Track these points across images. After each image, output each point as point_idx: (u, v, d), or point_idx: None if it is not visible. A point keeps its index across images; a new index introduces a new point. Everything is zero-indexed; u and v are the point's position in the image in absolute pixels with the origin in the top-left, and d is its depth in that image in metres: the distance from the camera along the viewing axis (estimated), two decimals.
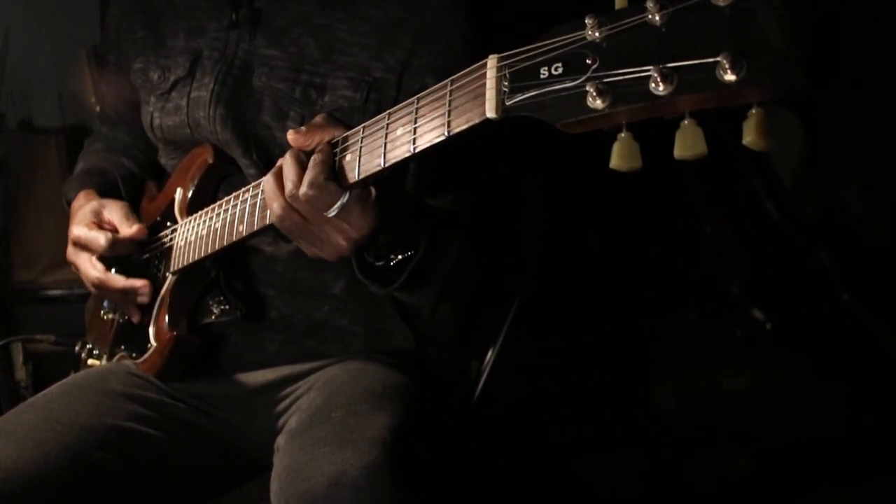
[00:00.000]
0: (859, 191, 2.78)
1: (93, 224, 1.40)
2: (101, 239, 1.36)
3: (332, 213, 1.01)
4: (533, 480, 2.34)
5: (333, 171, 1.02)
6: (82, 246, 1.39)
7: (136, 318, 1.42)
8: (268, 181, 1.06)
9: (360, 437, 1.10)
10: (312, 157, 1.03)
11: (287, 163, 1.04)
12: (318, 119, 1.09)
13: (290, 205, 1.03)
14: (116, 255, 1.40)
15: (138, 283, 1.38)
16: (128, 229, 1.38)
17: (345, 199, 1.00)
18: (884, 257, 2.70)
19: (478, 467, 1.67)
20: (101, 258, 1.39)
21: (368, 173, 0.99)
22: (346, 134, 1.03)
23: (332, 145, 1.04)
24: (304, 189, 1.01)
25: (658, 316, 2.83)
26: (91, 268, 1.39)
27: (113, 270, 1.40)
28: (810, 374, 2.66)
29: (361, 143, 1.00)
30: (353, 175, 1.00)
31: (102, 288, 1.40)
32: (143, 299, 1.39)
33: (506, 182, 1.62)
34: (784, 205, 2.79)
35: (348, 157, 1.01)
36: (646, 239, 2.80)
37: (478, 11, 1.30)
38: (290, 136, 1.06)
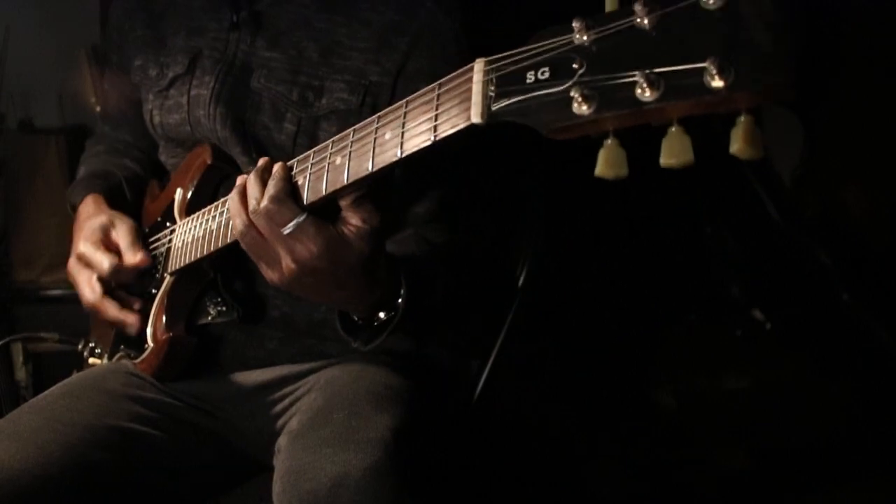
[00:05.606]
0: (859, 191, 2.79)
1: (100, 243, 1.39)
2: (104, 263, 1.36)
3: (288, 230, 1.02)
4: (533, 480, 2.35)
5: (292, 189, 1.04)
6: (85, 263, 1.40)
7: (128, 333, 1.43)
8: (233, 199, 1.08)
9: (363, 438, 1.10)
10: (272, 175, 1.05)
11: (251, 181, 1.06)
12: None
13: (252, 221, 1.05)
14: (117, 281, 1.40)
15: (130, 318, 1.38)
16: (132, 258, 1.38)
17: (300, 218, 1.02)
18: (884, 257, 2.71)
19: (478, 468, 1.67)
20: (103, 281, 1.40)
21: (358, 177, 0.98)
22: (338, 136, 1.03)
23: (290, 167, 1.06)
24: (264, 203, 1.03)
25: (658, 316, 2.83)
26: (89, 290, 1.40)
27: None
28: (810, 375, 2.67)
29: (351, 147, 0.99)
30: (343, 179, 1.00)
31: (95, 311, 1.41)
32: (131, 332, 1.40)
33: (506, 183, 1.62)
34: (784, 205, 2.79)
35: (338, 161, 1.00)
36: (646, 240, 2.80)
37: (472, 17, 1.30)
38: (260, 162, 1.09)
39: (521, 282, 1.64)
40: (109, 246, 1.40)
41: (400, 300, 1.11)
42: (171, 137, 1.45)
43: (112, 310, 1.39)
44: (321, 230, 1.01)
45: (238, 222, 1.06)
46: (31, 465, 1.16)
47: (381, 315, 1.13)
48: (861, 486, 2.25)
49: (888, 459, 2.29)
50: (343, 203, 1.02)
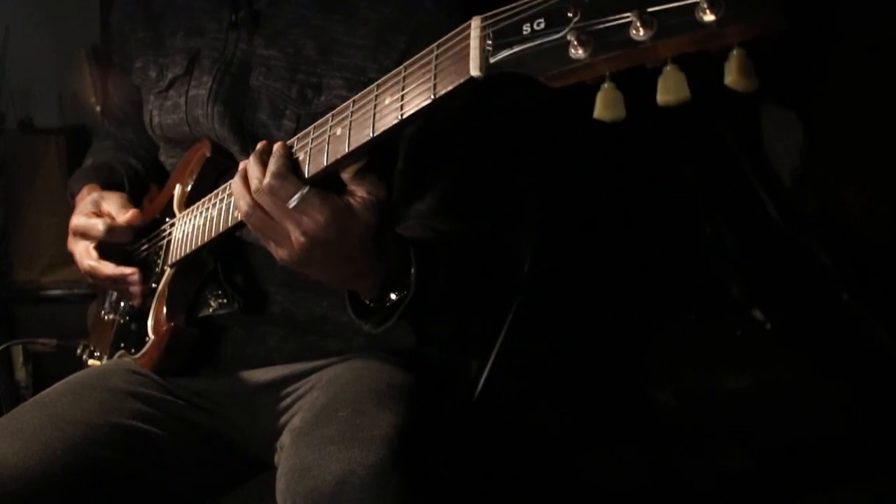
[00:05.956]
0: (859, 190, 2.79)
1: (92, 213, 1.42)
2: (98, 225, 1.38)
3: (293, 203, 1.02)
4: (533, 480, 2.35)
5: (293, 164, 1.05)
6: (81, 234, 1.41)
7: (137, 302, 1.43)
8: (235, 182, 1.09)
9: (367, 436, 1.10)
10: (273, 153, 1.06)
11: (251, 163, 1.07)
12: None
13: (256, 201, 1.05)
14: (114, 242, 1.41)
15: (127, 270, 1.39)
16: (123, 216, 1.40)
17: (304, 190, 1.02)
18: (884, 257, 2.71)
19: (479, 466, 1.67)
20: (100, 249, 1.41)
21: (359, 144, 0.99)
22: (337, 109, 1.04)
23: (290, 146, 1.07)
24: (266, 180, 1.03)
25: (658, 316, 2.83)
26: (86, 255, 1.41)
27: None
28: (810, 374, 2.67)
29: (351, 116, 1.01)
30: (344, 148, 1.01)
31: (94, 276, 1.41)
32: (135, 288, 1.40)
33: (504, 182, 1.62)
34: (784, 205, 2.80)
35: (339, 132, 1.01)
36: (646, 239, 2.81)
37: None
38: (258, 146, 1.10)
39: (521, 281, 1.65)
40: (101, 215, 1.42)
41: (411, 278, 1.11)
42: (170, 138, 1.46)
43: (109, 268, 1.39)
44: (326, 200, 1.02)
45: (242, 203, 1.06)
46: (34, 462, 1.16)
47: (393, 296, 1.13)
48: (861, 486, 2.25)
49: (888, 459, 2.29)
50: (346, 176, 1.03)
